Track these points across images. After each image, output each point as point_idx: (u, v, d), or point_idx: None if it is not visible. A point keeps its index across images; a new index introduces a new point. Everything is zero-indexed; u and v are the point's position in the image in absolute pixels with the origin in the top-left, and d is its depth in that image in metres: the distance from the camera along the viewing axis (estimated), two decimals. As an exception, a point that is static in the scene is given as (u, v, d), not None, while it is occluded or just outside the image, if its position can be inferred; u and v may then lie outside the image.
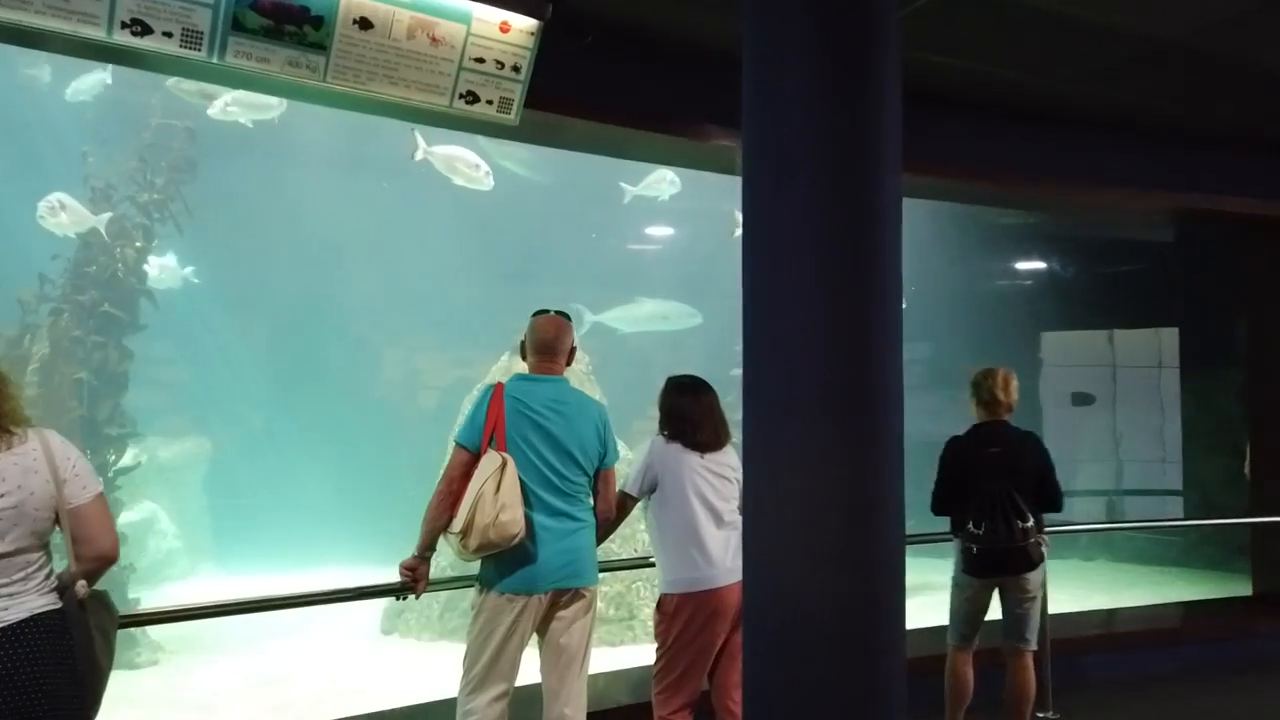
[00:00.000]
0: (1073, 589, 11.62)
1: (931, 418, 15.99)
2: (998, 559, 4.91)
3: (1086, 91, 6.21)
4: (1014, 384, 5.17)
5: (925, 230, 13.12)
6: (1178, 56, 5.68)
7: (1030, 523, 4.84)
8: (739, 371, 2.87)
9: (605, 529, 4.25)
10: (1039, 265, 15.96)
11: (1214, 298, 12.86)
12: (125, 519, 10.82)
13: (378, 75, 4.49)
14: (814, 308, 2.76)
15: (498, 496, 3.73)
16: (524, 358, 4.23)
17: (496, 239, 16.85)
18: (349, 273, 17.49)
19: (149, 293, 10.80)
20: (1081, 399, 14.73)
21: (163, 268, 12.69)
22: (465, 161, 12.27)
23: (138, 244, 10.60)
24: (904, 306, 2.88)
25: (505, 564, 3.89)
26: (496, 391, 4.01)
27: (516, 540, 3.80)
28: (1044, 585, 5.16)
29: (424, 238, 16.83)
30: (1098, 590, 11.76)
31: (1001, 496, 4.85)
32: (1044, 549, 5.00)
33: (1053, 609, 9.29)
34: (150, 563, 13.19)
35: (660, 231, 19.14)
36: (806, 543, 2.74)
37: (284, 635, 10.30)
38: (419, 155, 12.01)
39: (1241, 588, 8.71)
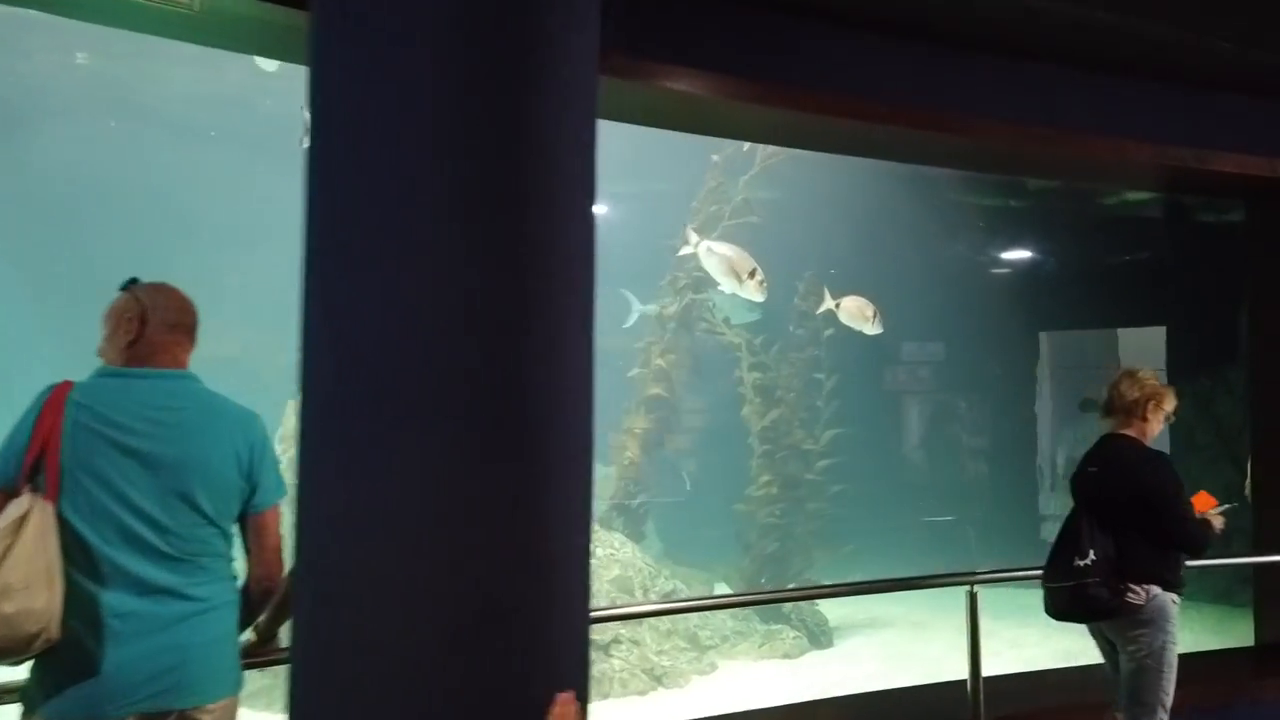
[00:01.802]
0: (1039, 627, 10.51)
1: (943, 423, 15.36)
2: (1049, 600, 4.60)
3: (1049, 10, 5.25)
4: (1122, 385, 4.67)
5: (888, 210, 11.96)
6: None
7: (1088, 560, 4.34)
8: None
9: (275, 608, 2.96)
10: (1012, 255, 14.89)
11: (1209, 285, 11.93)
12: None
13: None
14: (439, 267, 1.77)
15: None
16: (112, 345, 2.91)
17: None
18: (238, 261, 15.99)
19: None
20: (1090, 405, 13.75)
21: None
22: None
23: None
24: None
25: (54, 674, 2.57)
26: (56, 394, 2.68)
27: (41, 641, 2.49)
28: (1159, 648, 4.52)
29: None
30: (1070, 632, 10.54)
31: (1070, 527, 4.52)
32: (1129, 597, 4.40)
33: (1016, 663, 8.33)
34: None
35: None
36: (411, 654, 1.71)
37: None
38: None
39: (1244, 629, 7.91)
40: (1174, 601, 4.50)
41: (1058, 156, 6.46)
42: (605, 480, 10.72)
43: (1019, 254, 14.88)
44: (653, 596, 8.88)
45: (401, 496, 1.66)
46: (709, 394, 11.83)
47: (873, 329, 9.44)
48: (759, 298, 8.49)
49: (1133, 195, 12.33)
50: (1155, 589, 4.42)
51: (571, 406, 1.79)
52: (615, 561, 8.89)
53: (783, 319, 10.97)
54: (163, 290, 2.96)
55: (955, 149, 6.39)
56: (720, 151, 10.11)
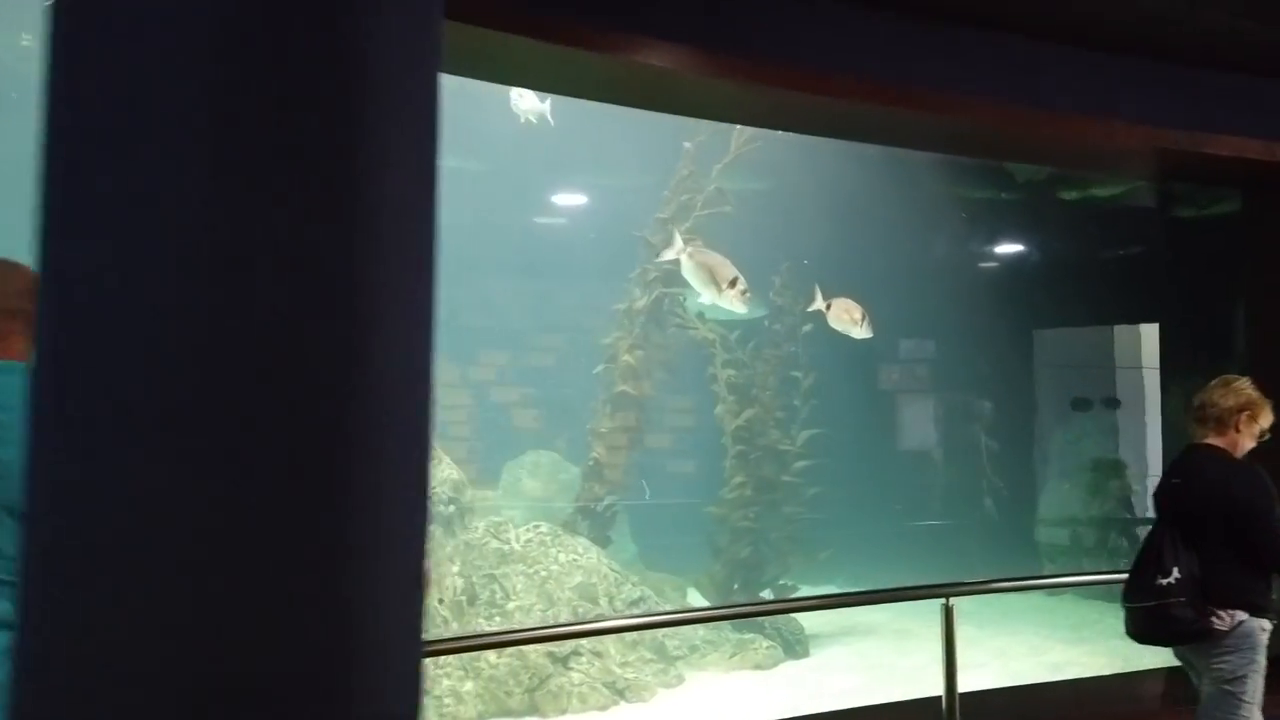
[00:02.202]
0: (1027, 636, 10.17)
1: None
2: (1129, 621, 4.40)
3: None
4: (1215, 393, 4.37)
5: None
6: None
7: (1171, 579, 4.09)
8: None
9: None
10: (999, 249, 14.51)
11: (1205, 279, 11.47)
12: None
13: None
14: (215, 248, 1.43)
15: None
16: None
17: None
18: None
19: None
20: (1082, 404, 13.68)
21: None
22: None
23: None
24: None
25: None
26: None
27: None
28: (1242, 676, 4.17)
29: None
30: (1057, 641, 10.22)
31: (1152, 543, 4.29)
32: (1213, 622, 4.10)
33: (1002, 677, 8.02)
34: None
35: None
36: None
37: None
38: None
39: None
40: (1263, 629, 4.16)
41: (1042, 139, 6.09)
42: (571, 482, 10.37)
43: (1006, 248, 14.46)
44: (618, 605, 8.49)
45: (145, 535, 1.27)
46: (681, 392, 11.43)
47: (862, 332, 9.04)
48: (741, 309, 8.04)
49: (1125, 187, 12.01)
50: (1242, 614, 4.11)
51: (398, 419, 1.41)
52: (578, 568, 8.47)
53: (758, 314, 10.58)
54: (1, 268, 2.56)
55: (932, 130, 6.02)
56: (694, 138, 9.71)
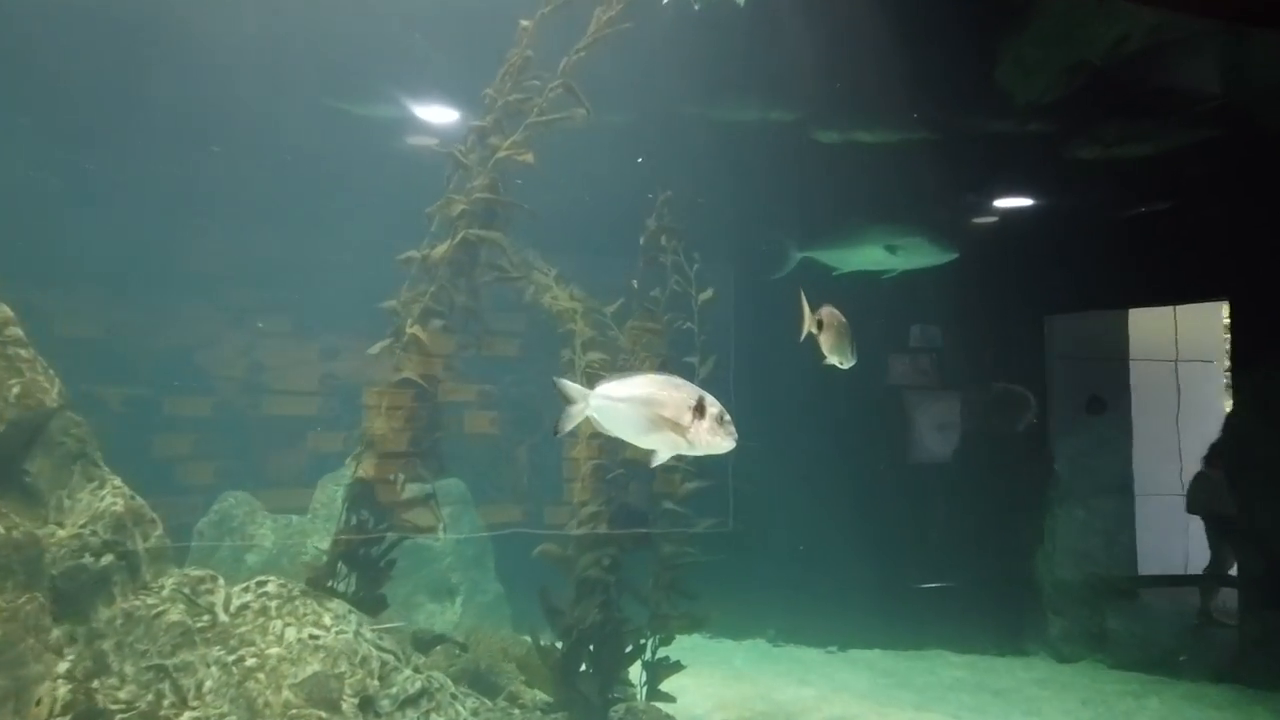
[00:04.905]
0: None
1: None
2: None
3: None
4: None
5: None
6: None
7: None
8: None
9: None
10: (986, 195, 11.27)
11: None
12: None
13: None
14: None
15: None
16: None
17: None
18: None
19: None
20: (1099, 405, 11.51)
21: None
22: None
23: None
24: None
25: None
26: None
27: None
28: None
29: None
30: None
31: None
32: None
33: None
34: None
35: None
36: None
37: None
38: None
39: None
40: None
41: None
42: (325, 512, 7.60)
43: (997, 198, 11.20)
44: (383, 707, 5.59)
45: None
46: (508, 381, 8.50)
47: (849, 360, 5.79)
48: (726, 445, 4.56)
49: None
50: None
51: None
52: (317, 650, 5.53)
53: (624, 270, 7.52)
54: None
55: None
56: (533, 16, 6.69)
